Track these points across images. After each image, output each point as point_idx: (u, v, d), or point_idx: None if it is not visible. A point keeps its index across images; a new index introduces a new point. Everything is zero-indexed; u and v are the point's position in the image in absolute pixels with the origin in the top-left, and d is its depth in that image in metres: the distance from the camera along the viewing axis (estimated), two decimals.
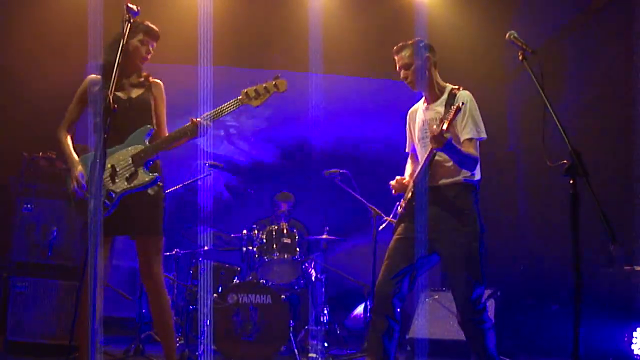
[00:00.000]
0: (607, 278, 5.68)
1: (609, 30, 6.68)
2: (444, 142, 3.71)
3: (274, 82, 4.01)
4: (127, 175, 3.96)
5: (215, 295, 5.91)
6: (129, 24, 3.51)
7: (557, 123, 3.07)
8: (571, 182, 2.90)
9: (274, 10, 8.35)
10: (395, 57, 4.22)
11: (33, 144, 6.19)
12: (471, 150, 3.94)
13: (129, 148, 4.00)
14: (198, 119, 3.96)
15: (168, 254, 4.16)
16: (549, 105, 3.14)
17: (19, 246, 5.67)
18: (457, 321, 4.07)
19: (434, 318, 6.24)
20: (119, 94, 4.10)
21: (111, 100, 3.14)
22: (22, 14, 7.52)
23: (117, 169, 3.97)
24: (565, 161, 2.94)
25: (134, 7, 3.55)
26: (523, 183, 8.40)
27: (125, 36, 3.45)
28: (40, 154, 5.94)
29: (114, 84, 3.25)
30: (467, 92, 4.08)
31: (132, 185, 3.95)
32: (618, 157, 6.18)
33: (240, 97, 4.01)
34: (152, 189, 4.06)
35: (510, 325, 6.49)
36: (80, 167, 4.01)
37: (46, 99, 7.48)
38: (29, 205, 5.73)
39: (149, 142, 4.04)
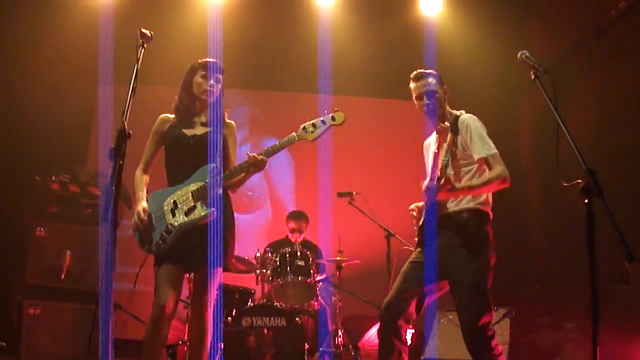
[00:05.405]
0: (623, 296, 5.62)
1: (621, 46, 6.67)
2: (444, 193, 3.77)
3: (331, 116, 4.06)
4: (186, 209, 4.05)
5: (229, 318, 5.89)
6: (143, 50, 3.52)
7: (571, 142, 3.05)
8: (586, 201, 2.87)
9: (282, 32, 8.38)
10: (414, 84, 4.14)
11: (46, 167, 6.23)
12: (490, 169, 3.89)
13: (191, 185, 4.09)
14: (256, 155, 4.03)
15: None
16: (562, 124, 3.12)
17: (33, 269, 5.69)
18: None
19: (448, 338, 6.17)
20: (185, 131, 4.22)
21: (126, 126, 3.13)
22: (35, 41, 7.57)
23: (178, 204, 4.08)
24: (579, 181, 2.91)
25: (147, 32, 3.55)
26: (536, 201, 8.35)
27: (139, 61, 3.45)
28: (53, 177, 5.96)
29: (129, 109, 3.24)
30: (468, 115, 4.05)
31: (188, 219, 4.03)
32: (634, 174, 6.13)
33: (298, 132, 4.08)
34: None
35: (526, 344, 6.43)
36: (143, 203, 4.12)
37: (59, 123, 7.55)
38: (42, 229, 5.75)
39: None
